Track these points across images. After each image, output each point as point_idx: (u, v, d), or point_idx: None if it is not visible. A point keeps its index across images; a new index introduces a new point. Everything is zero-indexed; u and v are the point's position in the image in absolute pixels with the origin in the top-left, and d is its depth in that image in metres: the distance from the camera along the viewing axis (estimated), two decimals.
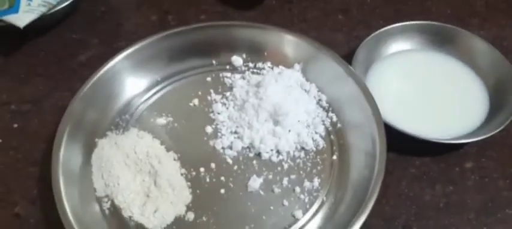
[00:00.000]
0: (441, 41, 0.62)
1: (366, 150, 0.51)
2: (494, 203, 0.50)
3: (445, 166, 0.53)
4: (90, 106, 0.54)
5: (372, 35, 0.60)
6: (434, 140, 0.51)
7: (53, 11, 0.63)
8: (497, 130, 0.51)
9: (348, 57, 0.58)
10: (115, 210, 0.48)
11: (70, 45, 0.66)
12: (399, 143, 0.52)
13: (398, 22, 0.62)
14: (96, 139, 0.53)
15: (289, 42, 0.60)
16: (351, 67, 0.56)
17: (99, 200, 0.49)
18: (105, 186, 0.50)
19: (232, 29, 0.62)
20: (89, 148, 0.52)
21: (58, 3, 0.64)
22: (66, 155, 0.50)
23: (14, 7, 0.61)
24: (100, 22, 0.70)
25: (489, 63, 0.59)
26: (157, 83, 0.59)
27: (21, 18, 0.60)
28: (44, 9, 0.62)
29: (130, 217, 0.48)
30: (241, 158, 0.53)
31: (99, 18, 0.70)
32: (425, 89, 0.59)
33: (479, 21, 0.70)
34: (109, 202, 0.49)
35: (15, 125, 0.57)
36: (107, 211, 0.48)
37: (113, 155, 0.51)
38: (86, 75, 0.56)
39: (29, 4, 0.61)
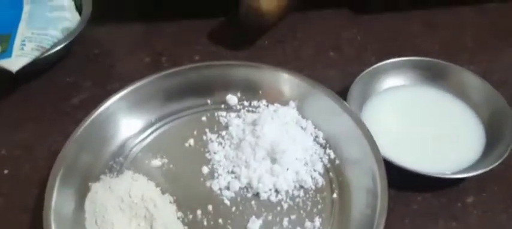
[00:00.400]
0: (434, 76, 0.62)
1: (366, 187, 0.49)
2: None
3: (446, 201, 0.52)
4: (83, 149, 0.52)
5: (366, 71, 0.60)
6: (434, 175, 0.50)
7: (46, 54, 0.62)
8: (496, 163, 0.50)
9: (342, 94, 0.57)
10: None
11: (63, 88, 0.65)
12: (399, 179, 0.50)
13: (389, 58, 0.62)
14: (90, 184, 0.51)
15: (283, 80, 0.60)
16: (346, 103, 0.55)
17: None
18: None
19: (227, 68, 0.61)
20: (82, 193, 0.50)
21: (52, 47, 0.63)
22: (59, 201, 0.47)
23: (6, 51, 0.60)
24: (93, 64, 0.69)
25: (482, 96, 0.59)
26: (151, 124, 0.58)
27: (14, 63, 0.59)
28: (37, 53, 0.61)
29: None
30: (239, 199, 0.51)
31: (92, 61, 0.69)
32: (421, 123, 0.58)
33: (468, 57, 0.70)
34: None
35: (6, 171, 0.55)
36: None
37: (106, 199, 0.49)
38: (80, 118, 0.54)
39: (22, 48, 0.60)
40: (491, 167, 0.49)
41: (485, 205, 0.51)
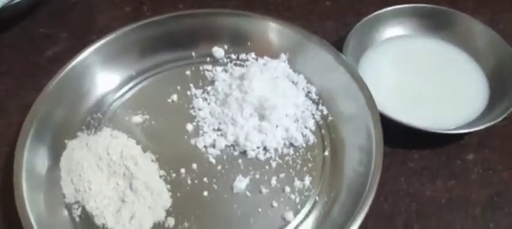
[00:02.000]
0: (436, 25, 0.59)
1: (360, 145, 0.47)
2: (500, 197, 0.47)
3: (445, 159, 0.50)
4: (57, 104, 0.50)
5: (363, 20, 0.57)
6: (434, 131, 0.48)
7: (15, 1, 0.59)
8: (500, 118, 0.48)
9: (337, 45, 0.55)
10: (86, 218, 0.45)
11: (37, 40, 0.62)
12: (395, 135, 0.49)
13: (388, 7, 0.59)
14: (66, 141, 0.49)
15: (274, 31, 0.57)
16: (342, 55, 0.53)
17: (68, 207, 0.45)
18: (75, 191, 0.46)
19: (213, 17, 0.58)
20: (57, 151, 0.48)
21: None
22: (31, 159, 0.46)
23: None
24: (69, 14, 0.66)
25: (488, 47, 0.56)
26: (131, 78, 0.55)
27: None
28: (4, 0, 0.57)
29: (103, 224, 0.44)
30: (225, 157, 0.49)
31: (69, 10, 0.66)
32: (421, 76, 0.56)
33: (473, 5, 0.67)
34: (80, 209, 0.45)
35: None
36: (77, 219, 0.45)
37: (83, 157, 0.47)
38: (54, 72, 0.52)
39: None
40: (494, 122, 0.48)
41: (486, 163, 0.50)
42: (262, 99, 0.50)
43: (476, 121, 0.50)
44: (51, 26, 0.64)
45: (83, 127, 0.51)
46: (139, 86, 0.55)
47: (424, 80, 0.56)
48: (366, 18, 0.57)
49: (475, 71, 0.56)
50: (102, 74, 0.54)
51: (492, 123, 0.48)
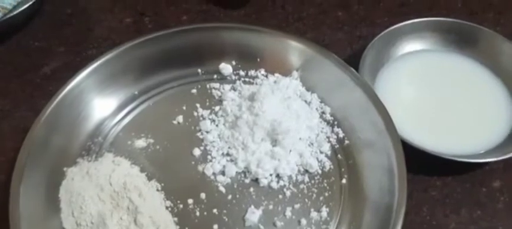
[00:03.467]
0: (457, 40, 0.57)
1: (380, 171, 0.46)
2: None
3: (469, 186, 0.48)
4: (55, 129, 0.48)
5: (380, 34, 0.55)
6: (457, 159, 0.46)
7: (9, 15, 0.56)
8: None
9: (351, 61, 0.53)
10: None
11: (32, 55, 0.60)
12: (415, 161, 0.47)
13: (404, 18, 0.58)
14: (65, 169, 0.47)
15: (285, 46, 0.55)
16: (356, 73, 0.51)
17: None
18: (76, 225, 0.44)
19: (220, 31, 0.56)
20: (56, 180, 0.46)
21: (15, 7, 0.57)
22: (28, 189, 0.44)
23: None
24: (66, 27, 0.63)
25: None
26: (134, 98, 0.53)
27: None
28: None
29: None
30: (235, 185, 0.47)
31: (66, 23, 0.64)
32: (442, 96, 0.54)
33: (494, 16, 0.65)
34: None
35: None
36: None
37: (84, 187, 0.45)
38: (51, 91, 0.50)
39: None
40: None
41: None
42: (275, 123, 0.48)
43: (501, 146, 0.49)
44: (47, 40, 0.62)
45: (83, 153, 0.49)
46: (142, 106, 0.53)
47: (446, 100, 0.54)
48: (382, 33, 0.55)
49: (499, 90, 0.54)
50: (102, 95, 0.52)
51: None
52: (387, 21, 0.58)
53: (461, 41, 0.57)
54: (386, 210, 0.43)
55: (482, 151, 0.49)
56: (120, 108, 0.52)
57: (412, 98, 0.54)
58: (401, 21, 0.57)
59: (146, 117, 0.52)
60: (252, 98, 0.51)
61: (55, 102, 0.49)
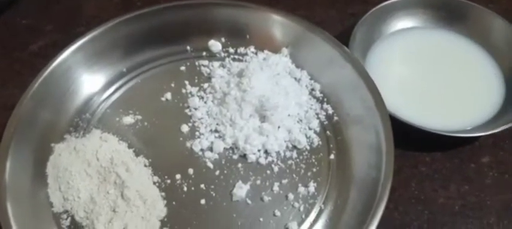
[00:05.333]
0: (449, 17, 0.58)
1: (368, 147, 0.46)
2: None
3: (458, 162, 0.49)
4: (42, 105, 0.49)
5: (371, 11, 0.55)
6: (446, 134, 0.46)
7: None
8: None
9: (343, 38, 0.53)
10: None
11: (19, 33, 0.60)
12: (405, 137, 0.48)
13: None
14: (52, 144, 0.48)
15: (274, 23, 0.55)
16: (347, 49, 0.51)
17: (56, 217, 0.44)
18: (63, 200, 0.45)
19: (209, 8, 0.56)
20: (43, 156, 0.47)
21: None
22: (15, 165, 0.44)
23: None
24: (55, 5, 0.64)
25: (505, 42, 0.55)
26: (122, 75, 0.54)
27: None
28: None
29: None
30: (223, 161, 0.48)
31: (54, 1, 0.64)
32: (433, 72, 0.55)
33: None
34: (68, 220, 0.44)
35: None
36: None
37: (71, 163, 0.46)
38: (39, 69, 0.50)
39: None
40: (510, 125, 0.46)
41: (502, 166, 0.49)
42: (263, 98, 0.48)
43: (491, 122, 0.49)
44: (35, 18, 0.62)
45: (71, 129, 0.49)
46: (131, 83, 0.53)
47: (436, 76, 0.54)
48: (373, 9, 0.55)
49: (490, 67, 0.54)
50: (90, 72, 0.52)
51: (508, 125, 0.46)
52: None
53: (453, 18, 0.57)
54: (373, 185, 0.43)
55: (472, 127, 0.49)
56: (108, 84, 0.53)
57: (403, 74, 0.55)
58: None
59: (134, 93, 0.53)
60: (240, 74, 0.51)
61: (41, 78, 0.49)
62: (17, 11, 0.62)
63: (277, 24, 0.55)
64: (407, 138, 0.48)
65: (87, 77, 0.52)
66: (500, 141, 0.50)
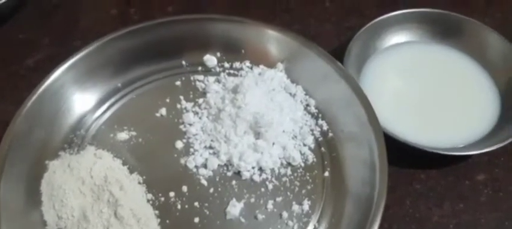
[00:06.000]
0: (445, 32, 0.57)
1: (363, 164, 0.46)
2: (511, 221, 0.46)
3: (453, 179, 0.49)
4: (37, 122, 0.48)
5: (366, 26, 0.55)
6: (441, 152, 0.46)
7: None
8: None
9: (338, 52, 0.53)
10: None
11: (16, 47, 0.60)
12: (399, 154, 0.47)
13: (394, 8, 0.57)
14: (47, 162, 0.47)
15: (270, 38, 0.55)
16: (341, 65, 0.51)
17: None
18: (57, 218, 0.44)
19: (204, 23, 0.56)
20: (37, 173, 0.46)
21: None
22: (9, 183, 0.44)
23: None
24: (52, 18, 0.64)
25: (500, 57, 0.54)
26: (117, 91, 0.53)
27: None
28: None
29: None
30: (217, 178, 0.47)
31: (51, 14, 0.64)
32: (428, 88, 0.54)
33: (483, 6, 0.65)
34: None
35: None
36: None
37: (65, 181, 0.46)
38: (35, 83, 0.50)
39: None
40: (505, 143, 0.46)
41: (497, 184, 0.49)
42: (258, 115, 0.48)
43: (486, 138, 0.49)
44: (31, 31, 0.62)
45: (65, 146, 0.49)
46: (126, 99, 0.53)
47: (431, 92, 0.54)
48: (368, 25, 0.55)
49: (485, 83, 0.54)
50: (84, 88, 0.52)
51: (504, 143, 0.46)
52: (376, 12, 0.58)
53: (448, 33, 0.57)
54: (367, 203, 0.43)
55: (467, 144, 0.49)
56: (103, 100, 0.52)
57: (398, 90, 0.54)
58: (391, 12, 0.57)
59: (129, 109, 0.52)
60: (235, 90, 0.51)
61: (35, 96, 0.48)
62: (15, 24, 0.62)
63: (272, 39, 0.55)
64: (403, 154, 0.48)
65: (81, 93, 0.52)
66: (495, 158, 0.50)
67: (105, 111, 0.52)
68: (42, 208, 0.45)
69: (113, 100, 0.53)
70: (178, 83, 0.54)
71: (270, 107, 0.50)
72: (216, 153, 0.49)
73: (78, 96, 0.51)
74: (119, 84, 0.54)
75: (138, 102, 0.53)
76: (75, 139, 0.50)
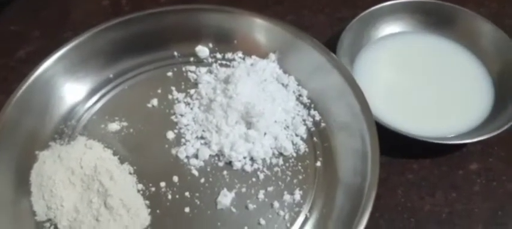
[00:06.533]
0: (438, 22, 0.57)
1: (355, 155, 0.45)
2: (504, 211, 0.46)
3: (446, 169, 0.48)
4: (27, 112, 0.48)
5: (359, 16, 0.55)
6: (433, 141, 0.46)
7: None
8: (506, 126, 0.46)
9: (331, 43, 0.52)
10: None
11: (7, 39, 0.60)
12: (392, 144, 0.47)
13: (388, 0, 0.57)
14: (37, 152, 0.47)
15: (262, 29, 0.55)
16: (334, 55, 0.50)
17: (39, 226, 0.43)
18: (47, 208, 0.44)
19: (196, 13, 0.55)
20: (27, 163, 0.46)
21: None
22: None
23: None
24: (43, 10, 0.63)
25: (494, 47, 0.54)
26: (109, 81, 0.53)
27: None
28: None
29: None
30: (208, 169, 0.47)
31: (42, 5, 0.64)
32: (421, 78, 0.54)
33: None
34: (52, 228, 0.43)
35: None
36: None
37: (55, 171, 0.45)
38: (25, 74, 0.49)
39: None
40: (499, 131, 0.45)
41: (490, 173, 0.48)
42: (249, 105, 0.48)
43: (480, 128, 0.48)
44: (23, 23, 0.61)
45: (56, 136, 0.49)
46: (117, 89, 0.53)
47: (424, 82, 0.53)
48: (361, 15, 0.54)
49: (479, 73, 0.53)
50: (76, 78, 0.51)
51: (497, 132, 0.45)
52: (370, 2, 0.57)
53: (442, 23, 0.56)
54: (358, 193, 0.42)
55: (461, 134, 0.48)
56: (94, 91, 0.52)
57: (391, 80, 0.54)
58: (384, 2, 0.56)
59: (121, 100, 0.52)
60: (227, 80, 0.51)
61: (25, 86, 0.48)
62: (6, 16, 0.62)
63: (265, 30, 0.54)
64: (395, 144, 0.47)
65: (72, 83, 0.51)
66: (489, 147, 0.49)
67: (96, 102, 0.51)
68: (31, 198, 0.44)
69: (104, 90, 0.52)
70: (170, 73, 0.54)
71: (261, 97, 0.49)
72: (207, 143, 0.48)
73: (70, 86, 0.51)
74: (111, 75, 0.53)
75: (129, 92, 0.53)
76: (65, 129, 0.49)
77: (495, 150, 0.49)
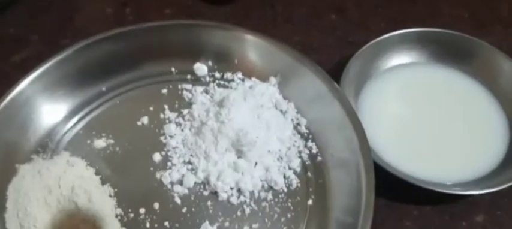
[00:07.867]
0: (454, 54, 0.53)
1: (349, 196, 0.42)
2: None
3: (449, 219, 0.44)
4: (10, 122, 0.46)
5: (368, 44, 0.51)
6: (438, 190, 0.42)
7: None
8: None
9: (337, 69, 0.49)
10: None
11: (5, 43, 0.58)
12: (392, 186, 0.43)
13: (402, 26, 0.53)
14: (17, 165, 0.45)
15: (264, 50, 0.52)
16: (336, 85, 0.47)
17: None
18: (19, 227, 0.42)
19: (198, 29, 0.53)
20: (6, 177, 0.44)
21: None
22: None
23: None
24: (44, 15, 0.62)
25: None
26: (100, 95, 0.51)
27: None
28: None
29: None
30: (192, 197, 0.44)
31: (45, 10, 0.62)
32: (431, 114, 0.50)
33: (501, 29, 0.60)
34: None
35: None
36: None
37: (32, 188, 0.43)
38: (18, 80, 0.47)
39: None
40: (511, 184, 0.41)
41: (497, 227, 0.44)
42: (241, 132, 0.45)
43: (490, 176, 0.44)
44: (22, 27, 0.60)
45: (39, 149, 0.47)
46: (108, 103, 0.51)
47: (433, 120, 0.49)
48: (372, 42, 0.51)
49: (495, 114, 0.49)
50: (67, 89, 0.49)
51: (509, 184, 0.41)
52: (383, 28, 0.54)
53: (458, 56, 0.52)
54: None
55: (468, 181, 0.44)
56: (83, 105, 0.50)
57: (398, 115, 0.50)
58: (399, 29, 0.53)
59: (110, 116, 0.50)
60: (221, 103, 0.48)
61: (13, 93, 0.46)
62: (6, 19, 0.60)
63: (267, 51, 0.51)
64: (395, 187, 0.44)
65: (62, 94, 0.49)
66: (498, 198, 0.45)
67: (84, 116, 0.49)
68: (5, 215, 0.42)
69: (94, 105, 0.50)
70: (165, 90, 0.52)
71: (256, 124, 0.46)
72: (194, 170, 0.45)
73: (59, 97, 0.49)
74: (103, 88, 0.51)
75: (120, 108, 0.50)
76: (49, 143, 0.47)
77: (505, 202, 0.45)
